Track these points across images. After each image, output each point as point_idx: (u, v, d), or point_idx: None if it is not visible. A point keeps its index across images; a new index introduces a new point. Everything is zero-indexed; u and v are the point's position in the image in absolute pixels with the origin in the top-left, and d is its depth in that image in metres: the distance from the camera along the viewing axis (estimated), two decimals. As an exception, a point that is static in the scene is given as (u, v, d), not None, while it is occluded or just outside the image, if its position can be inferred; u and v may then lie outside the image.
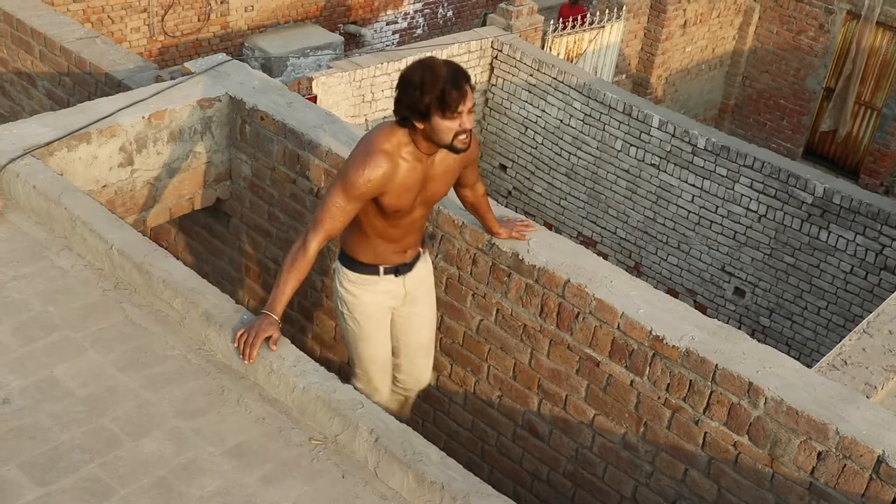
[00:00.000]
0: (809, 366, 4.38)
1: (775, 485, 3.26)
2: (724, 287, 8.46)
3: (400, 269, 3.55)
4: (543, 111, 8.98)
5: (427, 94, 3.05)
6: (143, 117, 4.20)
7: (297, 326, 4.71)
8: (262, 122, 4.36)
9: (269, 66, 10.49)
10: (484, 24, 11.10)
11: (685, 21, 11.64)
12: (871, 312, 5.18)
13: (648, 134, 8.37)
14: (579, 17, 10.41)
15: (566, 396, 3.79)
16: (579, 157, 8.93)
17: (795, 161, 10.08)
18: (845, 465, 3.06)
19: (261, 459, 2.83)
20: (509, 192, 9.61)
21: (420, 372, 3.91)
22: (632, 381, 3.52)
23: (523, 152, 9.33)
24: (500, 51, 8.96)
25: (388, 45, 12.32)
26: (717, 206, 8.21)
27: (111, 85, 5.23)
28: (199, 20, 10.50)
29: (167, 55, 10.31)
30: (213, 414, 2.96)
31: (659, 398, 3.46)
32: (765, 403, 3.17)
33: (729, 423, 3.30)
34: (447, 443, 4.35)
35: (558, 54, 10.09)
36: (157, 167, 4.35)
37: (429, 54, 8.17)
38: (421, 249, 3.63)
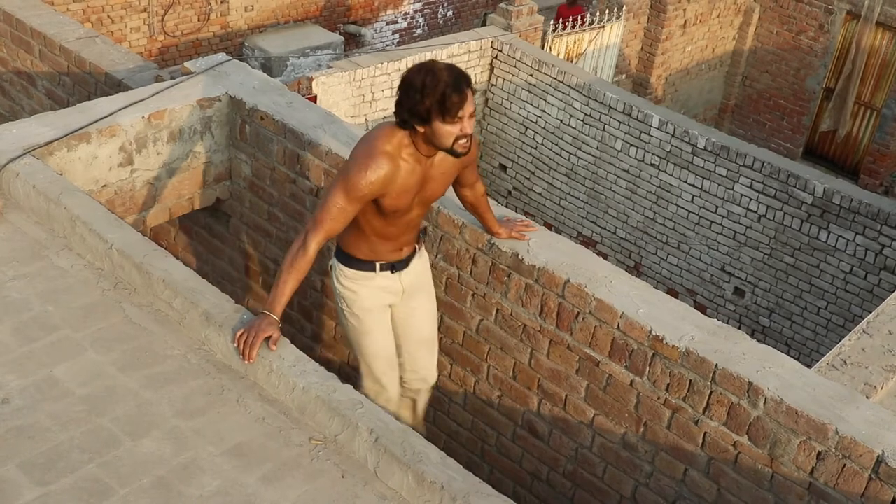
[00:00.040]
0: (809, 366, 4.38)
1: (775, 485, 3.26)
2: (723, 287, 8.46)
3: (396, 266, 3.55)
4: (543, 111, 8.98)
5: (428, 98, 3.05)
6: (143, 117, 4.20)
7: (297, 326, 4.71)
8: (261, 121, 4.36)
9: (269, 66, 10.49)
10: (484, 24, 11.12)
11: (685, 21, 11.65)
12: (870, 312, 5.18)
13: (648, 134, 8.37)
14: (578, 18, 10.41)
15: (566, 396, 3.79)
16: (579, 157, 8.93)
17: (795, 161, 10.07)
18: (845, 465, 3.07)
19: (260, 459, 2.83)
20: (509, 192, 9.61)
21: (425, 369, 3.88)
22: (631, 381, 3.52)
23: (523, 152, 9.34)
24: (500, 51, 8.96)
25: (388, 45, 12.32)
26: (717, 206, 8.21)
27: (111, 85, 5.23)
28: (199, 20, 10.50)
29: (167, 55, 10.31)
30: (213, 414, 2.96)
31: (659, 398, 3.46)
32: (764, 403, 3.17)
33: (729, 423, 3.30)
34: (447, 443, 4.35)
35: (558, 54, 10.09)
36: (157, 167, 4.35)
37: (429, 54, 8.21)
38: (417, 245, 3.63)
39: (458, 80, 3.07)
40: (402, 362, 3.82)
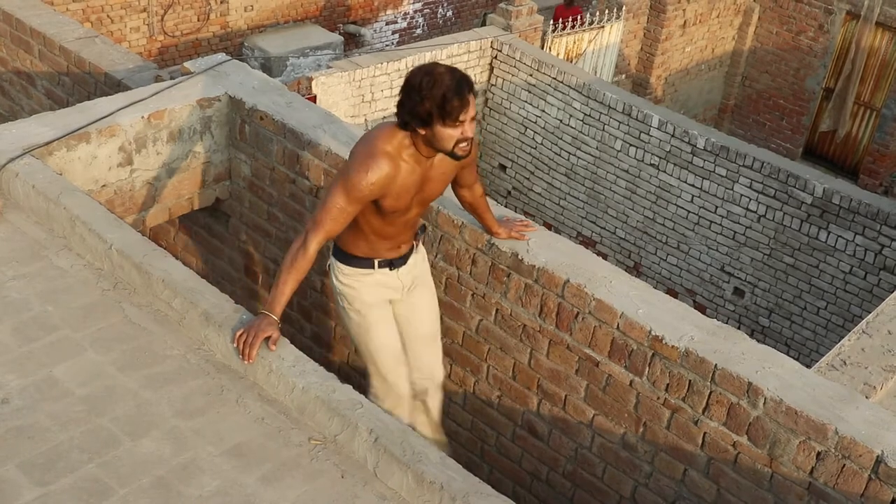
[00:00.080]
0: (808, 366, 4.39)
1: (774, 485, 3.26)
2: (723, 287, 8.46)
3: (394, 263, 3.54)
4: (543, 111, 8.98)
5: (429, 101, 3.04)
6: (143, 117, 4.20)
7: (297, 326, 4.71)
8: (261, 121, 4.35)
9: (269, 66, 10.49)
10: (483, 24, 11.11)
11: (685, 21, 11.65)
12: (870, 312, 5.18)
13: (648, 134, 8.37)
14: (577, 18, 10.41)
15: (565, 396, 3.79)
16: (579, 157, 8.93)
17: (795, 161, 10.08)
18: (844, 465, 3.07)
19: (260, 459, 2.83)
20: (509, 192, 9.61)
21: (430, 366, 3.84)
22: (631, 382, 3.52)
23: (523, 152, 9.34)
24: (500, 51, 8.96)
25: (387, 45, 12.32)
26: (717, 207, 8.21)
27: (110, 85, 5.23)
28: (198, 20, 10.50)
29: (167, 55, 10.31)
30: (213, 414, 2.96)
31: (658, 398, 3.46)
32: (764, 403, 3.17)
33: (728, 423, 3.30)
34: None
35: (558, 54, 10.09)
36: (157, 167, 4.35)
37: (428, 54, 8.21)
38: (414, 242, 3.63)
39: (459, 84, 3.06)
40: (407, 362, 3.80)
